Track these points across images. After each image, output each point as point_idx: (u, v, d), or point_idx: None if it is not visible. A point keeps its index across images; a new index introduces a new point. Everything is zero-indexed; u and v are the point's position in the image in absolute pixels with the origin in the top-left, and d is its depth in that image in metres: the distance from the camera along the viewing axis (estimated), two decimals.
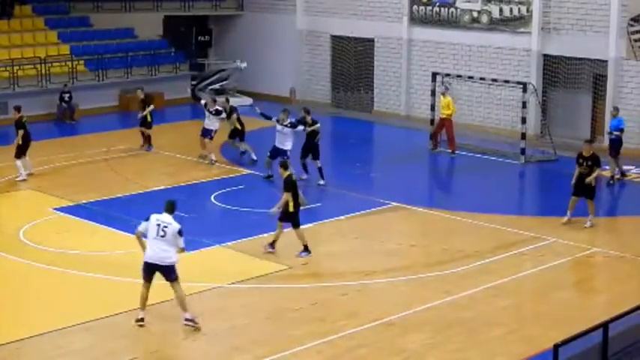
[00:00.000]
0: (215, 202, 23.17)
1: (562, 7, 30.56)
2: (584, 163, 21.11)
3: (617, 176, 25.75)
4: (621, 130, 25.73)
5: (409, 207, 22.97)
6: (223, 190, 24.02)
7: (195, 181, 25.22)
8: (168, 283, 15.37)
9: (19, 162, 24.90)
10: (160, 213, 15.33)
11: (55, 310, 16.44)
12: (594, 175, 21.00)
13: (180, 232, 15.24)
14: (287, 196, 18.78)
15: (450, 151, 28.62)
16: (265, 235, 19.62)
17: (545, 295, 17.45)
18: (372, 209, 22.69)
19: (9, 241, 19.86)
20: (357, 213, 22.36)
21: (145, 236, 15.37)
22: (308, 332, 15.29)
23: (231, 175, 25.64)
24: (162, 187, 24.34)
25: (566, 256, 19.43)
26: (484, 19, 32.39)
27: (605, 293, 17.85)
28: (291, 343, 14.84)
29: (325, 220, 21.59)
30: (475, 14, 32.58)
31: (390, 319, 15.84)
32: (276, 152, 24.26)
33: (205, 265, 18.72)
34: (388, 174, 26.90)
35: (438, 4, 33.46)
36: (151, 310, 15.96)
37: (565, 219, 21.28)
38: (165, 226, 15.21)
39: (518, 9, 31.48)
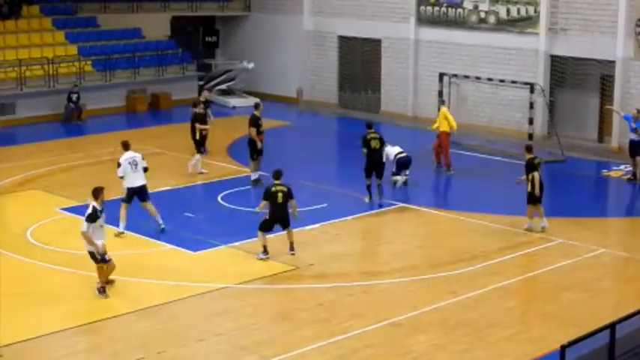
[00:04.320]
0: (222, 202, 23.17)
1: (569, 8, 30.49)
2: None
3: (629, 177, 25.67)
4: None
5: (416, 208, 22.95)
6: (230, 191, 24.02)
7: (201, 182, 25.23)
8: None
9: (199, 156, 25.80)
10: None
11: (61, 311, 16.46)
12: (527, 179, 20.80)
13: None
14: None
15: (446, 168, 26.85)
16: (271, 235, 19.63)
17: (552, 296, 17.41)
18: (379, 210, 22.69)
19: (16, 240, 19.90)
20: (364, 214, 22.35)
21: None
22: (314, 333, 15.29)
23: (237, 176, 25.63)
24: (168, 188, 24.36)
25: (573, 257, 19.37)
26: (491, 19, 32.34)
27: (613, 294, 17.82)
28: (298, 343, 14.84)
29: (331, 221, 21.56)
30: (482, 15, 32.53)
31: (397, 320, 15.82)
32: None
33: (212, 265, 18.76)
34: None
35: (445, 4, 33.42)
36: (159, 311, 16.02)
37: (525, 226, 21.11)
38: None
39: (526, 9, 31.42)
